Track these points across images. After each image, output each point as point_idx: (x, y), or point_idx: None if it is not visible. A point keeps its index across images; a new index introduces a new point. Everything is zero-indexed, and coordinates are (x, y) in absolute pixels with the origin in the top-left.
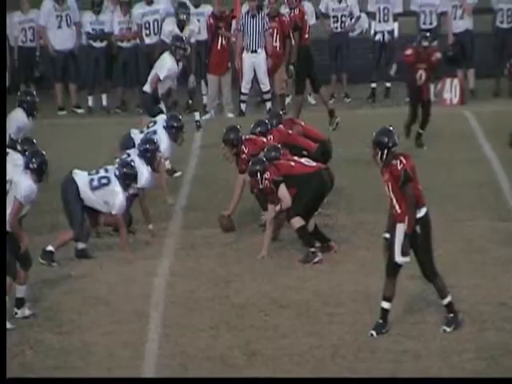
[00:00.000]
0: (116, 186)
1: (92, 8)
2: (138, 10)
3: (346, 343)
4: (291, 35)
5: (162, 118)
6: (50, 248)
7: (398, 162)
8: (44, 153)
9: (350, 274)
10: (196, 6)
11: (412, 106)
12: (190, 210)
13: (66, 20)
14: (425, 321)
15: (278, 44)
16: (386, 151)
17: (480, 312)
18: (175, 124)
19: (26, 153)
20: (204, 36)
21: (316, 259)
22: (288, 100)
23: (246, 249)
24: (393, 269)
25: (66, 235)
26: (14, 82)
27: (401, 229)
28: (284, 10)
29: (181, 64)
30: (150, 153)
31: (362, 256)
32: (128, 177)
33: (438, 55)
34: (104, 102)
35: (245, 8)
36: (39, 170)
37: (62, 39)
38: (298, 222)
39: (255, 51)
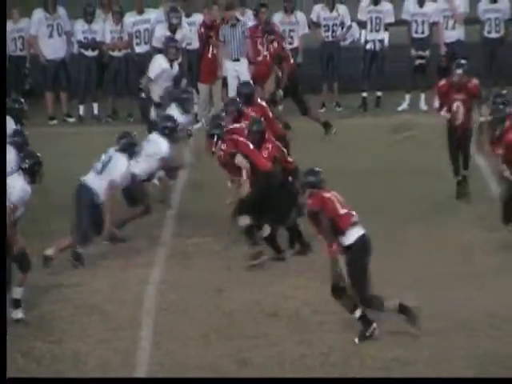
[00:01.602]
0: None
1: (84, 17)
2: (129, 18)
3: (335, 351)
4: (277, 68)
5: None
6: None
7: (308, 201)
8: (38, 154)
9: None
10: (187, 16)
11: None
12: (182, 217)
13: (57, 29)
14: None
15: (267, 53)
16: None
17: (470, 320)
18: (169, 124)
19: (20, 154)
20: (195, 45)
21: (256, 262)
22: (279, 109)
23: (236, 257)
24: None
25: (64, 242)
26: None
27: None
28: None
29: (176, 65)
30: (169, 130)
31: None
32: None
33: (476, 81)
34: (95, 111)
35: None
36: (32, 170)
37: (53, 48)
38: (242, 220)
39: (237, 60)
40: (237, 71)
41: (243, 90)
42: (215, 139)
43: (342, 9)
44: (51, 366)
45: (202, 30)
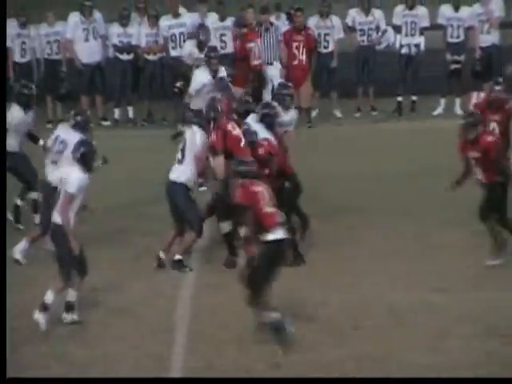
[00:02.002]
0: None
1: (119, 20)
2: (165, 22)
3: (370, 356)
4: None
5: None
6: (177, 257)
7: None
8: (92, 142)
9: (374, 287)
10: (222, 19)
11: None
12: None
13: (93, 33)
14: (451, 334)
15: (304, 57)
16: None
17: (497, 325)
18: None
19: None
20: (230, 49)
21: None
22: (314, 113)
23: None
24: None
25: (188, 237)
26: (40, 95)
27: None
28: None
29: (218, 74)
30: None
31: (386, 268)
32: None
33: None
34: (130, 115)
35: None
36: (85, 159)
37: (88, 52)
38: (223, 227)
39: (271, 63)
40: (270, 75)
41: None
42: (212, 123)
43: (377, 13)
44: (84, 370)
45: (237, 34)
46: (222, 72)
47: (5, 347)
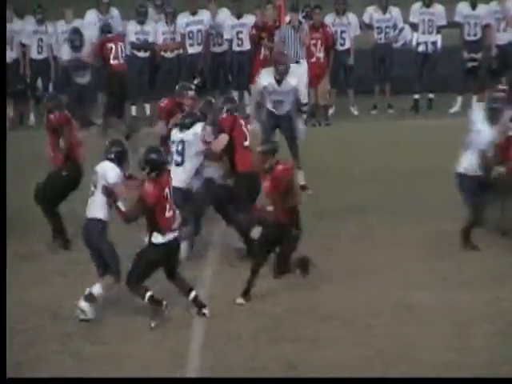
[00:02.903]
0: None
1: (136, 18)
2: (183, 19)
3: (385, 354)
4: None
5: None
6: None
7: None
8: (123, 142)
9: (391, 284)
10: (238, 17)
11: None
12: None
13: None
14: (469, 333)
15: (321, 55)
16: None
17: None
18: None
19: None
20: (247, 47)
21: None
22: (331, 111)
23: None
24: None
25: None
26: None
27: None
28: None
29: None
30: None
31: (404, 266)
32: None
33: None
34: (147, 112)
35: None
36: (118, 158)
37: None
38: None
39: (297, 62)
40: (296, 73)
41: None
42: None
43: (394, 11)
44: (100, 368)
45: (254, 31)
46: None
47: (5, 347)
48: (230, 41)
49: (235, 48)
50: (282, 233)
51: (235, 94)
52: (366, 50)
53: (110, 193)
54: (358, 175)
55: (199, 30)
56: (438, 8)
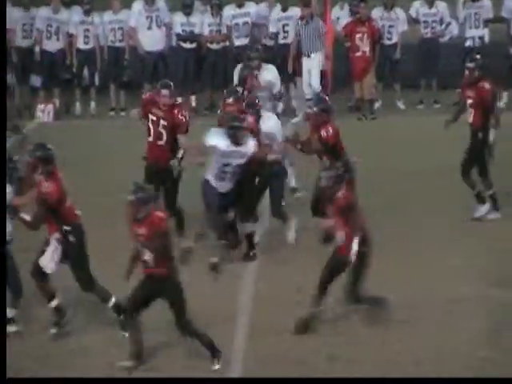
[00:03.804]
0: None
1: (182, 9)
2: (229, 11)
3: (427, 349)
4: None
5: None
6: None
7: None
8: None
9: (433, 280)
10: (284, 10)
11: None
12: None
13: (156, 21)
14: (509, 330)
15: (367, 49)
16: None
17: None
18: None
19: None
20: (291, 39)
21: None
22: (377, 105)
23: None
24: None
25: None
26: (103, 82)
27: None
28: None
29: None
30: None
31: (446, 262)
32: None
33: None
34: (193, 104)
35: (336, 10)
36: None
37: (151, 40)
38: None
39: (309, 56)
40: (307, 66)
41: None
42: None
43: (441, 5)
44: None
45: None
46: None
47: (5, 347)
48: (276, 34)
49: (281, 41)
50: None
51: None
52: (412, 44)
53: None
54: (404, 170)
55: (245, 22)
56: (485, 2)
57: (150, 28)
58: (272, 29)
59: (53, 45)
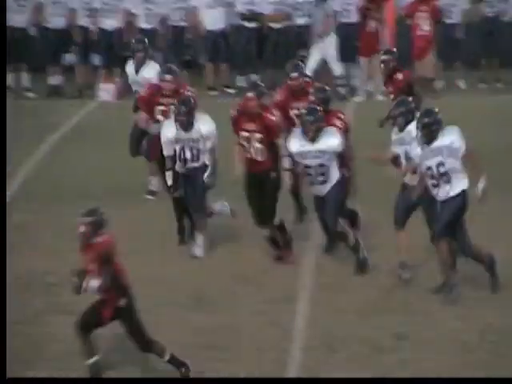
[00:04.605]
0: None
1: None
2: None
3: (494, 328)
4: None
5: None
6: None
7: None
8: None
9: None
10: None
11: None
12: None
13: (218, 0)
14: None
15: (428, 28)
16: None
17: None
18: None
19: None
20: (354, 18)
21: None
22: (439, 85)
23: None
24: None
25: None
26: (166, 62)
27: None
28: None
29: None
30: None
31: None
32: None
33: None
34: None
35: None
36: None
37: (213, 19)
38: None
39: (320, 37)
40: (321, 48)
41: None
42: None
43: None
44: (208, 337)
45: (362, 3)
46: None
47: (5, 347)
48: (337, 12)
49: (342, 19)
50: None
51: (342, 66)
52: (474, 23)
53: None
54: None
55: (308, 2)
56: None
57: (211, 7)
58: (334, 7)
59: (110, 23)
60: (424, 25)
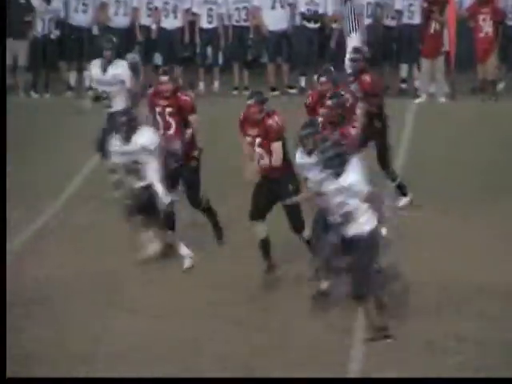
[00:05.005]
0: None
1: None
2: None
3: None
4: None
5: None
6: None
7: None
8: None
9: None
10: None
11: None
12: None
13: (280, 0)
14: None
15: (490, 30)
16: None
17: None
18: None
19: None
20: (416, 20)
21: None
22: (501, 86)
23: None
24: None
25: None
26: (227, 61)
27: None
28: None
29: None
30: None
31: None
32: None
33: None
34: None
35: None
36: None
37: (275, 19)
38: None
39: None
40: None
41: None
42: None
43: None
44: (269, 337)
45: (425, 4)
46: None
47: (5, 347)
48: (401, 13)
49: (405, 20)
50: None
51: (404, 67)
52: None
53: None
54: None
55: (369, 3)
56: None
57: (273, 7)
58: (397, 6)
59: (171, 23)
60: (486, 26)
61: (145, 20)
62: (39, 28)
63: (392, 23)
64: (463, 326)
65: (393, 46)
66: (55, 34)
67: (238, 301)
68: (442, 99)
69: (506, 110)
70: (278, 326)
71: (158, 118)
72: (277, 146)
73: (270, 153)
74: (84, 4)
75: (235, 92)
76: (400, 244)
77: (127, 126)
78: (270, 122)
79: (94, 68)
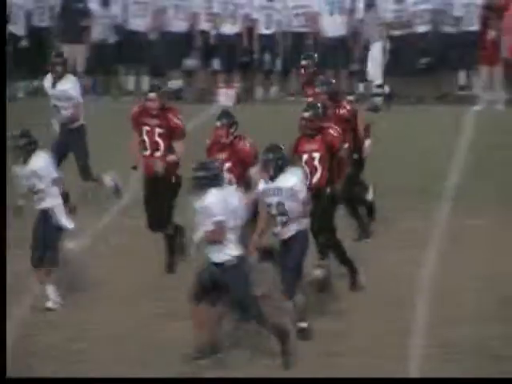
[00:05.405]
0: None
1: None
2: None
3: None
4: None
5: None
6: None
7: None
8: None
9: None
10: None
11: None
12: (459, 197)
13: (338, 7)
14: None
15: None
16: None
17: None
18: None
19: None
20: (475, 27)
21: None
22: None
23: None
24: None
25: None
26: (285, 67)
27: None
28: None
29: None
30: None
31: None
32: None
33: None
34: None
35: None
36: None
37: (333, 25)
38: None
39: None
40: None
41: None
42: None
43: None
44: (321, 343)
45: (483, 12)
46: None
47: (5, 347)
48: (459, 19)
49: (464, 27)
50: None
51: (463, 74)
52: None
53: None
54: None
55: (425, 10)
56: None
57: (331, 14)
58: (456, 12)
59: (229, 28)
60: None
61: (203, 25)
62: (97, 33)
63: (451, 30)
64: None
65: (451, 53)
66: (113, 38)
67: None
68: (500, 106)
69: None
70: None
71: (145, 137)
72: (254, 172)
73: (239, 178)
74: (141, 9)
75: (292, 98)
76: (459, 250)
77: (24, 149)
78: (240, 145)
79: (46, 82)
